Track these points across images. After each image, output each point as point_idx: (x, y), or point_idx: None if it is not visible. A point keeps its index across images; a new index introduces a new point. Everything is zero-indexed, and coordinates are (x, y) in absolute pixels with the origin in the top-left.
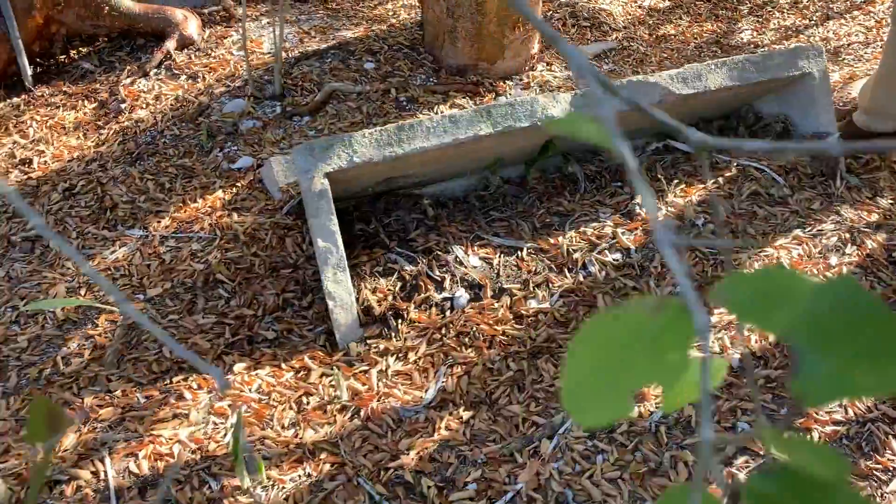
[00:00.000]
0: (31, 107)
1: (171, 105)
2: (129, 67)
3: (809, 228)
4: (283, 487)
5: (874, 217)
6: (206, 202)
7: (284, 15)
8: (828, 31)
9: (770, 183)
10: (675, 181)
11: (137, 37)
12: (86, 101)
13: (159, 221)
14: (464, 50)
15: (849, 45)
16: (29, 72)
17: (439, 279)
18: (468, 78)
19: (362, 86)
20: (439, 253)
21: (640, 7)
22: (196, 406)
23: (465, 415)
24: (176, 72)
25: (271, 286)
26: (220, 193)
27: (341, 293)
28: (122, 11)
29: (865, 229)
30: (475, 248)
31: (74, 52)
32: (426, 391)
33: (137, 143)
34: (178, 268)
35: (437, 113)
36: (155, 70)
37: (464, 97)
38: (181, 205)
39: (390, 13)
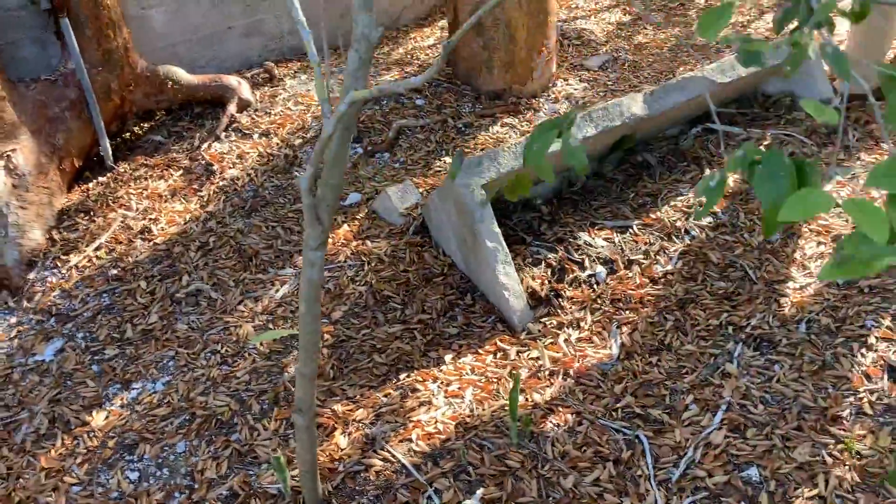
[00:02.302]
0: (120, 182)
1: (258, 161)
2: (198, 134)
3: (844, 174)
4: (547, 436)
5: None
6: (338, 236)
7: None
8: (768, 23)
9: (800, 144)
10: (730, 153)
11: (195, 106)
12: (171, 170)
13: None
14: (499, 77)
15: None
16: (110, 151)
17: (579, 261)
18: (507, 100)
19: (423, 119)
20: (570, 240)
21: (608, 23)
22: (433, 394)
23: (653, 359)
24: (245, 132)
25: (432, 293)
26: (345, 227)
27: (512, 284)
28: (183, 84)
29: None
30: (596, 232)
31: (137, 128)
32: (610, 348)
33: (243, 199)
34: (345, 293)
35: (491, 132)
36: (224, 133)
37: (509, 116)
38: None
39: (409, 56)
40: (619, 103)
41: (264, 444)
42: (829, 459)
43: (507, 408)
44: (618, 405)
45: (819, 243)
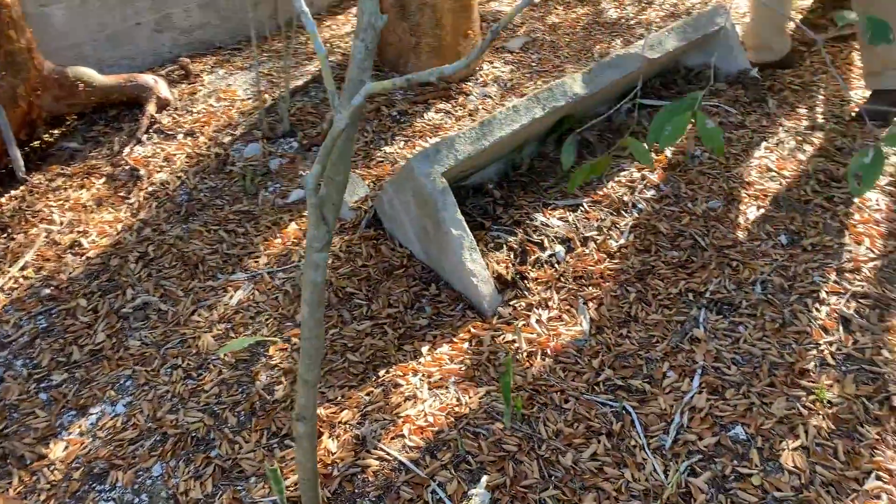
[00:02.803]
0: (37, 195)
1: (188, 163)
2: (117, 138)
3: (771, 139)
4: (538, 417)
5: (804, 123)
6: (287, 236)
7: (260, 63)
8: None
9: (727, 114)
10: None
11: (110, 108)
12: (92, 178)
13: (256, 261)
14: (427, 62)
15: (694, 4)
16: (21, 162)
17: (539, 241)
18: (438, 86)
19: None
20: (527, 222)
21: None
22: (416, 388)
23: (623, 331)
24: (169, 133)
25: (396, 286)
26: (293, 226)
27: (479, 270)
28: (96, 86)
29: (806, 132)
30: (550, 212)
31: (48, 135)
32: (581, 324)
33: (177, 203)
34: None
35: (426, 119)
36: (145, 135)
37: (441, 102)
38: (266, 242)
39: (328, 45)
40: (562, 83)
41: (248, 458)
42: (804, 411)
43: (492, 393)
44: (599, 379)
45: (759, 207)
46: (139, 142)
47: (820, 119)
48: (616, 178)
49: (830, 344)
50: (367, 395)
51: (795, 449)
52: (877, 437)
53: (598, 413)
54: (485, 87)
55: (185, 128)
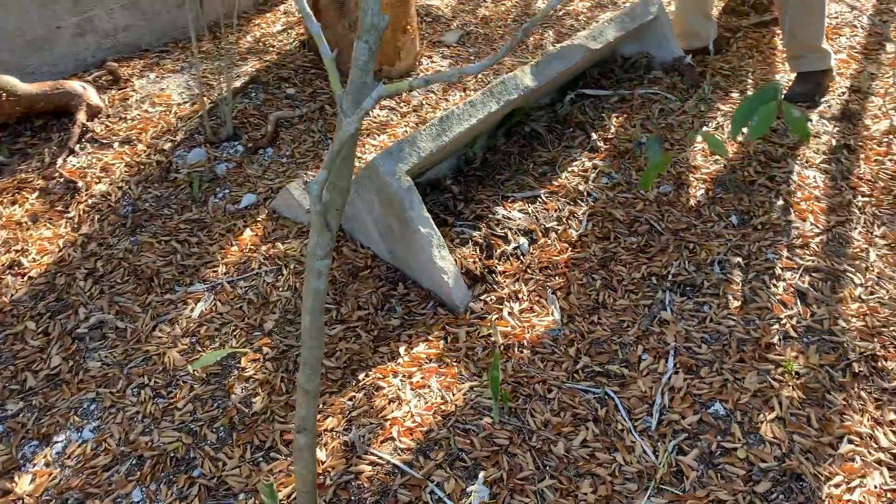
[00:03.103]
0: None
1: (128, 172)
2: (47, 150)
3: (711, 124)
4: (524, 409)
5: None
6: (244, 242)
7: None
8: None
9: (666, 100)
10: (608, 115)
11: (35, 118)
12: (24, 193)
13: (214, 271)
14: None
15: None
16: None
17: (503, 234)
18: (379, 82)
19: (300, 109)
20: (489, 216)
21: (449, 0)
22: (399, 389)
23: (594, 318)
24: (104, 142)
25: (363, 287)
26: (249, 232)
27: (448, 266)
28: (20, 95)
29: None
30: (509, 204)
31: None
32: (552, 314)
33: (121, 215)
34: (271, 300)
35: (372, 116)
36: (78, 145)
37: (387, 99)
38: (222, 251)
39: (261, 44)
40: (514, 76)
41: (234, 474)
42: (775, 384)
43: (475, 388)
44: (577, 367)
45: (708, 190)
46: (72, 152)
47: None
48: (569, 168)
49: (791, 318)
50: (350, 400)
51: (772, 420)
52: (844, 402)
53: (582, 400)
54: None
55: (120, 136)
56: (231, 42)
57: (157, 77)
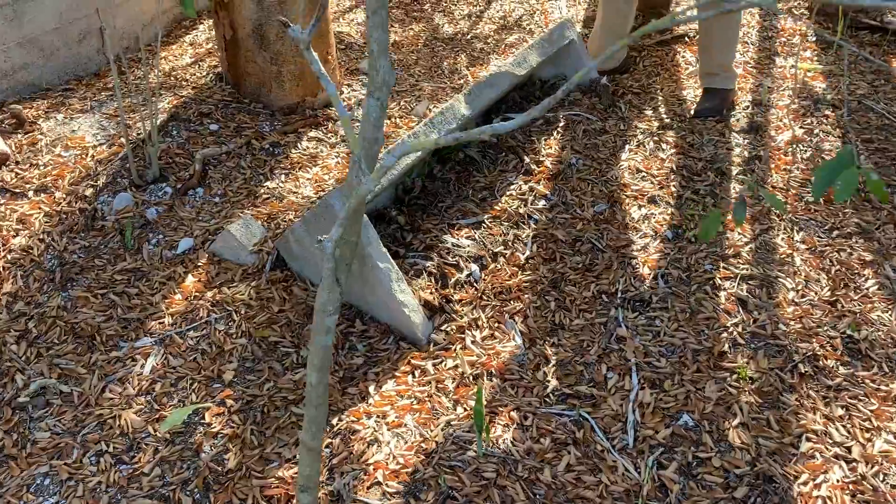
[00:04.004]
0: None
1: (49, 223)
2: None
3: (632, 142)
4: (504, 440)
5: (655, 123)
6: (187, 290)
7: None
8: (500, 10)
9: (588, 121)
10: (537, 138)
11: None
12: None
13: (160, 322)
14: (291, 90)
15: (521, 17)
16: None
17: (454, 263)
18: (305, 113)
19: (227, 146)
20: (439, 245)
21: (358, 24)
22: (375, 430)
23: (554, 340)
24: (16, 192)
25: None
26: (191, 278)
27: (409, 300)
28: None
29: (659, 131)
30: (456, 232)
31: None
32: (514, 339)
33: (47, 270)
34: (226, 349)
35: (301, 149)
36: None
37: (312, 130)
38: (165, 300)
39: (173, 78)
40: (451, 107)
41: None
42: (733, 391)
43: (452, 423)
44: (547, 391)
45: (640, 206)
46: None
47: (666, 119)
48: (508, 192)
49: (736, 325)
50: (327, 447)
51: (737, 426)
52: (797, 402)
53: (559, 424)
54: (350, 112)
55: (34, 183)
56: (139, 77)
57: (66, 118)
